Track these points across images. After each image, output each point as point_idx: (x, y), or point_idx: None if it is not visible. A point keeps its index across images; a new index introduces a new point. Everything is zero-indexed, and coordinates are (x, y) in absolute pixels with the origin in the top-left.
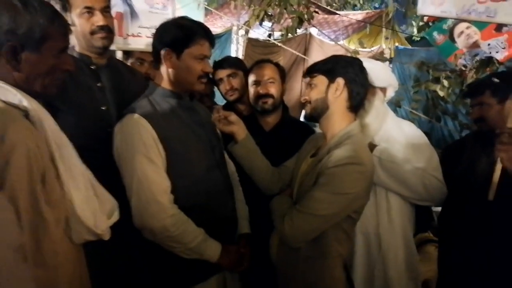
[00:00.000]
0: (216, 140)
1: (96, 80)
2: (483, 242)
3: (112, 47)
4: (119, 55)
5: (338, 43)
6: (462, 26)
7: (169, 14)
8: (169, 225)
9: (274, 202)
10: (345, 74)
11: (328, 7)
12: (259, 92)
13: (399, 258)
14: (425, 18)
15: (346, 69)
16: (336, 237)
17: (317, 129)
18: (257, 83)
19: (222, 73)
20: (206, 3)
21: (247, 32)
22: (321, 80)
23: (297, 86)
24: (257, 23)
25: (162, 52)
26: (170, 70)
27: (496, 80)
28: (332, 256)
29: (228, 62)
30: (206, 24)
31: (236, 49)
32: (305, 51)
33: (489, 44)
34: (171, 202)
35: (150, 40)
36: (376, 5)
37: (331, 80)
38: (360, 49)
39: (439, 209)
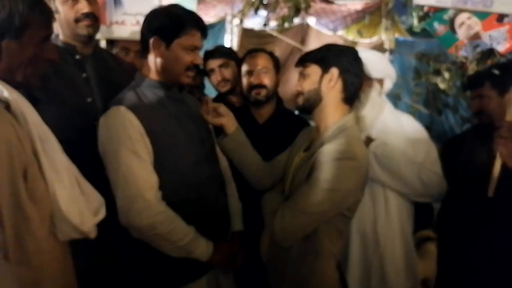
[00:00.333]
0: (206, 133)
1: (81, 70)
2: (483, 239)
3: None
4: (102, 44)
5: (336, 33)
6: (463, 16)
7: (155, 1)
8: (157, 223)
9: (265, 199)
10: (339, 63)
11: None
12: (252, 82)
13: (397, 256)
14: (425, 8)
15: (340, 58)
16: (328, 235)
17: (312, 122)
18: (250, 73)
19: (214, 63)
20: None
21: (241, 21)
22: (314, 70)
23: (293, 77)
24: (252, 12)
25: (151, 40)
26: (158, 59)
27: (496, 71)
28: (324, 255)
29: (220, 51)
30: (199, 13)
31: (231, 39)
32: (302, 42)
33: (490, 35)
34: (158, 199)
35: (135, 28)
36: None
37: (325, 70)
38: (360, 39)
39: (439, 205)
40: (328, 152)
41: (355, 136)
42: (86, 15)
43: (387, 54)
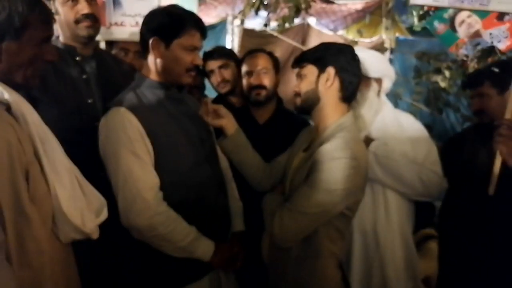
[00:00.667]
0: (206, 133)
1: (82, 71)
2: (483, 237)
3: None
4: (102, 45)
5: (337, 33)
6: (463, 15)
7: (154, 2)
8: (157, 224)
9: (265, 200)
10: (336, 63)
11: None
12: (251, 83)
13: (397, 256)
14: (425, 7)
15: (337, 57)
16: (328, 235)
17: (312, 122)
18: (249, 73)
19: (213, 64)
20: None
21: (242, 22)
22: (310, 70)
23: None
24: (253, 12)
25: (150, 40)
26: (157, 60)
27: (496, 69)
28: (324, 255)
29: (219, 52)
30: (200, 14)
31: (232, 40)
32: (303, 42)
33: (490, 34)
34: (159, 199)
35: (135, 29)
36: None
37: (321, 69)
38: (360, 39)
39: (441, 204)
40: (326, 151)
41: (354, 135)
42: (86, 16)
43: (387, 54)
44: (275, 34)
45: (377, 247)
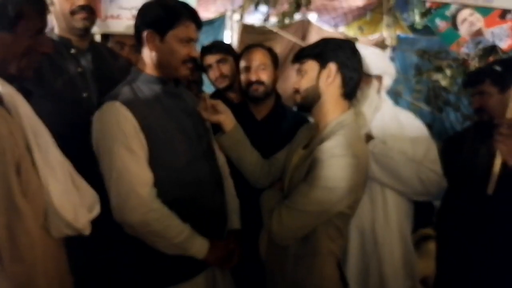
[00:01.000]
0: (203, 129)
1: (77, 64)
2: (482, 237)
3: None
4: (97, 38)
5: (338, 30)
6: (465, 13)
7: None
8: (150, 220)
9: (263, 197)
10: (337, 58)
11: None
12: (250, 78)
13: (395, 255)
14: (427, 4)
15: (338, 53)
16: (327, 234)
17: (312, 119)
18: (247, 69)
19: (211, 59)
20: None
21: (241, 17)
22: (311, 66)
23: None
24: (253, 7)
25: (145, 33)
26: (153, 53)
27: (497, 68)
28: (323, 254)
29: (217, 47)
30: (199, 9)
31: (231, 35)
32: (303, 38)
33: (492, 32)
34: (153, 195)
35: (131, 22)
36: None
37: (322, 65)
38: (361, 36)
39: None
40: (326, 149)
41: (355, 133)
42: (82, 8)
43: (388, 51)
44: (275, 30)
45: (375, 245)
